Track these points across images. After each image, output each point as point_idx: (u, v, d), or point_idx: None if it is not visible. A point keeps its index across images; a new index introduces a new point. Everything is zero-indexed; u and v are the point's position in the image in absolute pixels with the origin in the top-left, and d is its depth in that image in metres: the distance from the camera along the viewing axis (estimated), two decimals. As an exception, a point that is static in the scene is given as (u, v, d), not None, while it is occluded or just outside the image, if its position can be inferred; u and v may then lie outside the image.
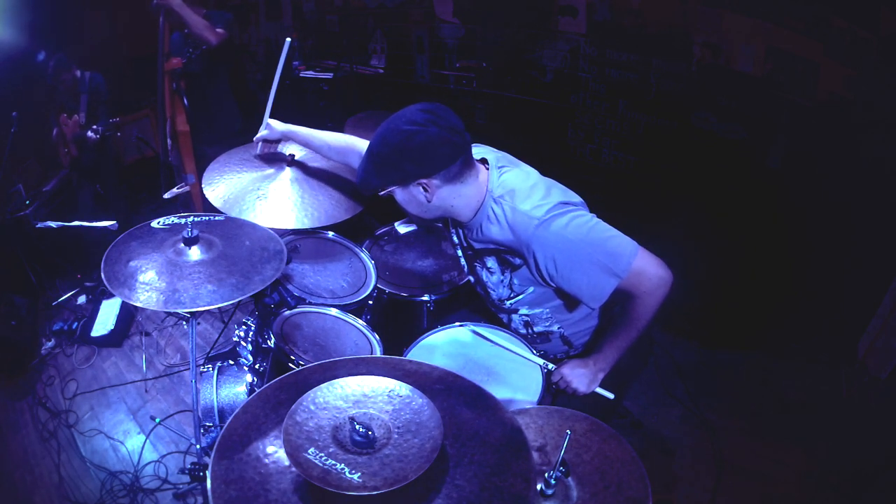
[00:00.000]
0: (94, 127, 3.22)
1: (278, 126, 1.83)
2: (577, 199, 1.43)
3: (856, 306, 2.30)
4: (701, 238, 2.43)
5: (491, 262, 1.52)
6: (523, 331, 1.65)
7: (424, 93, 3.65)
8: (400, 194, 1.42)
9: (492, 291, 1.60)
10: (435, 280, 2.05)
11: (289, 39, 1.82)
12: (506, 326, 1.70)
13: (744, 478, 2.09)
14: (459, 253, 1.66)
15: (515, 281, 1.50)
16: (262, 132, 1.85)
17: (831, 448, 2.14)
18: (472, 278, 1.69)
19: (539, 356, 1.55)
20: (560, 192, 1.41)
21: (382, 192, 1.43)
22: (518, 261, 1.44)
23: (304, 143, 1.83)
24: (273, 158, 1.91)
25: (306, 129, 1.83)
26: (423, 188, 1.37)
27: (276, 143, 1.90)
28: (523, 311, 1.59)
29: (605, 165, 2.99)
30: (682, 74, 2.57)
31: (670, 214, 2.64)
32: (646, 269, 1.35)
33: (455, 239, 1.64)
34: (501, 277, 1.53)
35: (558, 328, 1.60)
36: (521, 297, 1.54)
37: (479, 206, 1.44)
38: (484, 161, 1.48)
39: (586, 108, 2.95)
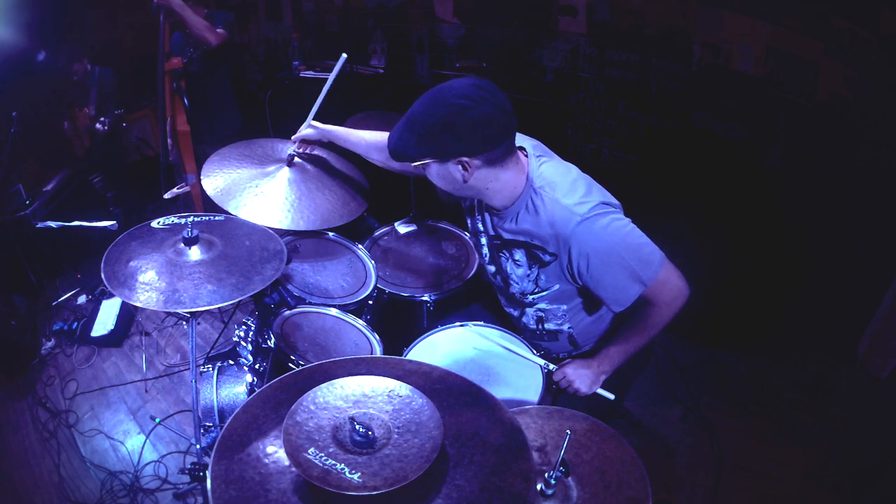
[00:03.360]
0: (102, 119, 3.36)
1: (319, 126, 1.86)
2: (615, 201, 1.41)
3: (856, 306, 2.30)
4: (701, 238, 2.43)
5: (519, 255, 1.49)
6: (533, 326, 1.63)
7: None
8: (435, 168, 1.36)
9: (515, 284, 1.56)
10: (435, 280, 2.05)
11: (344, 55, 1.85)
12: (515, 321, 1.68)
13: (744, 478, 2.09)
14: (483, 241, 1.60)
15: (542, 277, 1.47)
16: (305, 131, 1.87)
17: (831, 448, 2.14)
18: (491, 268, 1.64)
19: (540, 356, 1.55)
20: (600, 192, 1.40)
21: (416, 164, 1.37)
22: (548, 257, 1.42)
23: (344, 143, 1.84)
24: (307, 158, 1.96)
25: (345, 129, 1.86)
26: (463, 167, 1.32)
27: (315, 144, 1.93)
28: (542, 305, 1.56)
29: (604, 165, 2.99)
30: (682, 74, 2.57)
31: (670, 214, 2.63)
32: (669, 279, 1.36)
33: (480, 226, 1.59)
34: (528, 272, 1.50)
35: (569, 328, 1.59)
36: (544, 293, 1.51)
37: (517, 195, 1.40)
38: (521, 149, 1.44)
39: (586, 108, 2.95)
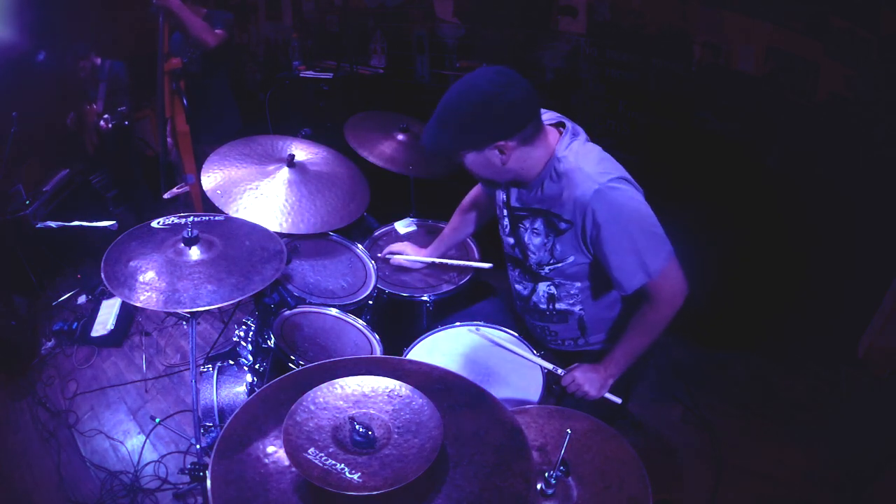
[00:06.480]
0: (105, 117, 3.35)
1: (420, 260, 2.03)
2: (639, 187, 1.43)
3: (856, 306, 2.29)
4: (701, 238, 2.42)
5: (538, 224, 1.50)
6: (543, 306, 1.62)
7: (424, 93, 3.65)
8: (472, 158, 1.40)
9: (532, 254, 1.56)
10: (435, 280, 2.05)
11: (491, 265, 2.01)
12: (523, 303, 1.67)
13: (744, 478, 2.09)
14: (505, 213, 1.62)
15: (557, 247, 1.48)
16: (402, 259, 2.03)
17: (831, 448, 2.14)
18: (511, 240, 1.64)
19: (540, 356, 1.55)
20: (624, 171, 1.43)
21: (456, 157, 1.41)
22: (563, 225, 1.43)
23: (449, 249, 2.06)
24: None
25: (441, 241, 2.03)
26: (500, 150, 1.37)
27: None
28: (557, 280, 1.56)
29: (604, 165, 2.99)
30: (682, 74, 2.57)
31: (670, 214, 2.62)
32: (672, 276, 1.38)
33: (504, 196, 1.60)
34: (545, 241, 1.51)
35: (580, 309, 1.58)
36: (560, 264, 1.51)
37: (542, 166, 1.43)
38: (560, 125, 1.48)
39: (586, 108, 2.95)
